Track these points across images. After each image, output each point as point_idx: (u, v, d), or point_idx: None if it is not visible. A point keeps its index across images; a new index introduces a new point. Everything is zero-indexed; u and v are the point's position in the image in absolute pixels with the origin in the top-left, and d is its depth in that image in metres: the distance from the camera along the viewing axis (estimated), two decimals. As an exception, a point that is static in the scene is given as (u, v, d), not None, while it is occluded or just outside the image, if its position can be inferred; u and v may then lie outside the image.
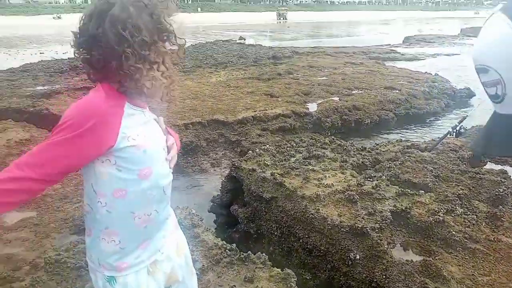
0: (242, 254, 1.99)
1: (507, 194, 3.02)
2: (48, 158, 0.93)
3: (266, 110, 5.96)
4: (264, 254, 1.99)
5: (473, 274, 2.11)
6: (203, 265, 1.89)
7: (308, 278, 2.55)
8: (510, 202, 2.98)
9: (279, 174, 3.11)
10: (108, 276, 1.11)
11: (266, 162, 3.35)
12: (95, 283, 1.14)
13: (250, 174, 3.23)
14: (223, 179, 3.57)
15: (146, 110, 1.12)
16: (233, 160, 3.60)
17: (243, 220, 3.17)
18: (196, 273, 1.85)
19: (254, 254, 1.99)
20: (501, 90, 0.81)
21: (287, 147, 3.80)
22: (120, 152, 1.01)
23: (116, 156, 1.02)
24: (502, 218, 2.69)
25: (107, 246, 1.10)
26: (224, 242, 2.17)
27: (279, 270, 1.88)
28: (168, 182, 1.15)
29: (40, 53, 15.83)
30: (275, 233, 2.87)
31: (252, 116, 5.68)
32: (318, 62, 10.50)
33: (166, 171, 1.14)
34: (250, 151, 3.72)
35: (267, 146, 3.80)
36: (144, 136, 1.06)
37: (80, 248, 2.20)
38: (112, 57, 0.97)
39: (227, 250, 2.01)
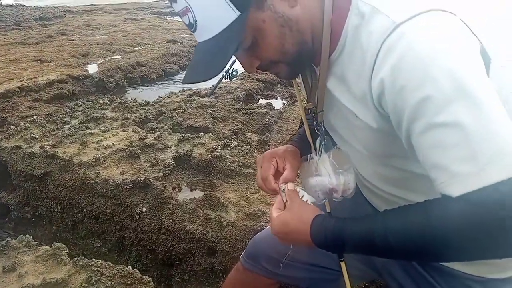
0: (-1, 242, 1.69)
1: (272, 122, 3.48)
2: None
3: (36, 78, 5.15)
4: (27, 235, 1.73)
5: (246, 195, 2.38)
6: None
7: (98, 245, 2.41)
8: (275, 129, 3.45)
9: (50, 145, 2.75)
10: None
11: (34, 135, 2.91)
12: None
13: (14, 152, 2.76)
14: (-19, 165, 2.95)
15: None
16: (-11, 140, 2.98)
17: (15, 206, 2.72)
18: None
19: (15, 239, 1.72)
20: (192, 17, 0.81)
21: (60, 114, 3.40)
22: None
23: None
24: (269, 142, 3.10)
25: None
26: (-23, 237, 1.80)
27: (47, 247, 1.68)
28: None
29: None
30: (56, 210, 2.57)
31: (18, 87, 4.82)
32: (96, 20, 9.61)
33: None
34: (12, 126, 3.17)
35: (34, 117, 3.30)
36: None
37: None
38: None
39: (-23, 245, 1.67)
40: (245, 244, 2.10)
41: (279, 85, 4.91)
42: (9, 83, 5.01)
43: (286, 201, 0.93)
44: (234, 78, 4.75)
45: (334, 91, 0.89)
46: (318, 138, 1.00)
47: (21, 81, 5.07)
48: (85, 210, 2.47)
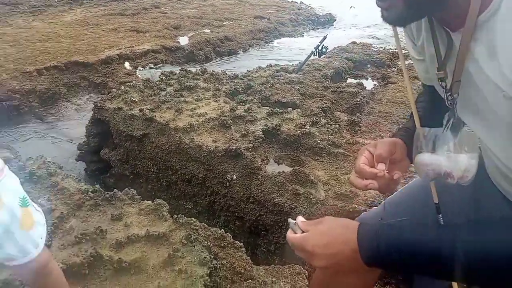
0: (107, 193, 1.82)
1: (363, 103, 3.33)
2: None
3: (133, 46, 5.49)
4: (132, 189, 1.85)
5: (336, 175, 2.31)
6: (61, 213, 1.68)
7: (190, 207, 2.52)
8: (366, 110, 3.30)
9: (148, 109, 2.91)
10: None
11: (134, 99, 3.10)
12: None
13: (116, 113, 2.96)
14: (87, 123, 3.22)
15: None
16: (94, 101, 3.24)
17: (116, 163, 2.94)
18: (55, 222, 1.65)
19: (121, 191, 1.85)
20: None
21: (157, 81, 3.57)
22: None
23: None
24: (360, 124, 2.97)
25: None
26: (89, 186, 1.96)
27: (149, 202, 1.78)
28: None
29: None
30: (152, 170, 2.73)
31: (118, 54, 5.18)
32: (187, -6, 9.92)
33: None
34: (114, 89, 3.40)
35: (134, 82, 3.50)
36: None
37: None
38: None
39: (89, 193, 1.82)
40: (334, 223, 2.05)
41: (369, 65, 4.68)
42: (110, 50, 5.39)
43: (303, 232, 0.81)
44: (323, 55, 4.62)
45: (476, 60, 0.77)
46: (447, 113, 0.90)
47: (120, 49, 5.43)
48: (179, 172, 2.58)
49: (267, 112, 2.92)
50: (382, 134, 2.83)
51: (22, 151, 2.85)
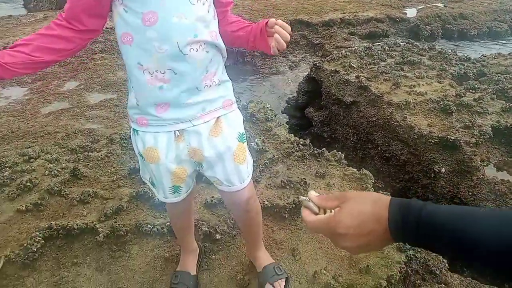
0: (316, 150, 1.87)
1: None
2: (69, 4, 0.96)
3: (357, 12, 5.40)
4: (340, 152, 1.85)
5: None
6: (273, 156, 1.82)
7: (381, 186, 2.40)
8: None
9: (365, 77, 2.83)
10: (132, 128, 1.11)
11: (352, 64, 3.06)
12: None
13: (332, 76, 2.99)
14: (301, 80, 3.36)
15: None
16: (314, 60, 3.34)
17: (317, 123, 3.02)
18: (266, 163, 1.79)
19: (329, 152, 1.87)
20: None
21: (378, 50, 3.42)
22: None
23: None
24: None
25: (130, 97, 1.07)
26: (297, 138, 2.06)
27: (354, 170, 1.75)
28: (188, 42, 0.97)
29: None
30: (351, 139, 2.69)
31: (340, 18, 5.19)
32: (424, -38, 9.07)
33: (186, 27, 0.96)
34: (335, 52, 3.42)
35: (355, 47, 3.45)
36: None
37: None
38: None
39: (299, 145, 1.90)
40: None
41: None
42: (334, 13, 5.44)
43: (319, 208, 0.70)
44: None
45: None
46: None
47: (343, 13, 5.42)
48: (379, 148, 2.47)
49: (502, 107, 2.47)
50: None
51: (238, 93, 3.21)
